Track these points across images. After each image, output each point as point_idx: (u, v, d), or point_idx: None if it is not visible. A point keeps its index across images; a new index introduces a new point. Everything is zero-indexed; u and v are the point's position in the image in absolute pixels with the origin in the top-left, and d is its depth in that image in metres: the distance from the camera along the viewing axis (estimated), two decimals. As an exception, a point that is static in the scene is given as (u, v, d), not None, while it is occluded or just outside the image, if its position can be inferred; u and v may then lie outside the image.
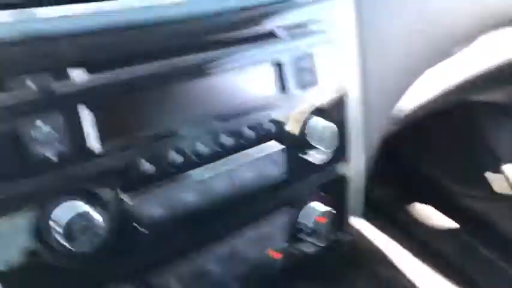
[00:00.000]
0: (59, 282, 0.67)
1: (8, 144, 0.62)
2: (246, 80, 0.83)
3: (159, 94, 0.74)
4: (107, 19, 0.70)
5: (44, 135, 0.63)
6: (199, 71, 0.78)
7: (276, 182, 0.86)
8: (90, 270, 0.68)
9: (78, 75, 0.66)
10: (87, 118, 0.67)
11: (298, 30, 0.89)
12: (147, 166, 0.71)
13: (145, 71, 0.72)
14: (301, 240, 0.93)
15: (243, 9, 0.83)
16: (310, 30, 0.91)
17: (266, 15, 0.86)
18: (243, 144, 0.81)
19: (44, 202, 0.64)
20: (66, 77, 0.65)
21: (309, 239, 0.92)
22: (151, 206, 0.72)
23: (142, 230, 0.72)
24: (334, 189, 0.97)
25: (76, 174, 0.66)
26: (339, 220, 0.98)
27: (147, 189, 0.72)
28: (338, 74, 0.96)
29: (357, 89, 1.00)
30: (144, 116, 0.73)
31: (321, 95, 0.92)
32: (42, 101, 0.64)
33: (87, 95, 0.67)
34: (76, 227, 0.64)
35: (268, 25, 0.85)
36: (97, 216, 0.66)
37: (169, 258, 0.76)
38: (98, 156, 0.68)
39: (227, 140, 0.79)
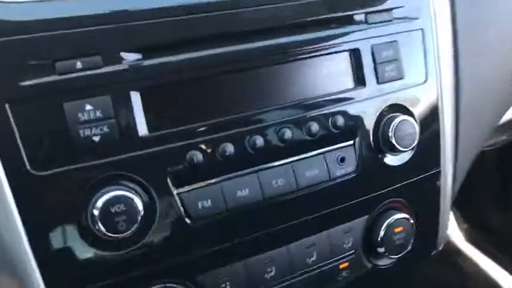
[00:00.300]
0: (101, 271, 0.65)
1: (55, 127, 0.61)
2: (318, 70, 0.76)
3: (217, 82, 0.70)
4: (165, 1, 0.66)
5: (92, 118, 0.62)
6: (267, 58, 0.72)
7: (346, 184, 0.78)
8: (132, 260, 0.66)
9: (131, 59, 0.64)
10: (137, 103, 0.64)
11: (381, 15, 0.79)
12: (198, 157, 0.67)
13: (202, 57, 0.68)
14: (375, 251, 0.83)
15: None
16: (397, 15, 0.81)
17: None
18: (309, 140, 0.74)
19: (88, 186, 0.62)
20: (119, 60, 0.63)
21: (381, 250, 0.82)
22: (200, 198, 0.68)
23: (189, 222, 0.68)
24: (416, 197, 0.86)
25: (121, 160, 0.64)
26: (421, 232, 0.87)
27: (196, 180, 0.68)
28: (428, 68, 0.85)
29: (449, 87, 0.88)
30: (199, 105, 0.69)
31: (406, 91, 0.82)
32: (92, 84, 0.62)
33: (139, 80, 0.64)
34: (111, 209, 0.61)
35: (347, 9, 0.77)
36: (136, 201, 0.63)
37: (218, 258, 0.71)
38: (146, 142, 0.65)
39: (292, 134, 0.73)
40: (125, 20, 0.63)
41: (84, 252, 0.63)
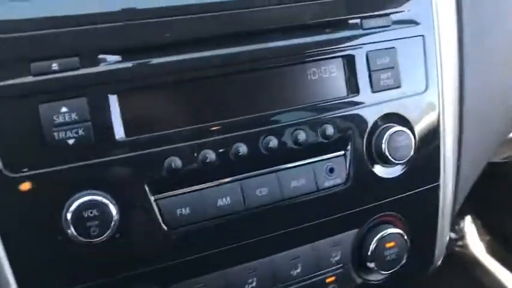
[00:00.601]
0: (73, 275, 0.64)
1: (30, 128, 0.60)
2: (308, 77, 0.73)
3: (197, 87, 0.68)
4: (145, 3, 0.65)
5: (67, 121, 0.61)
6: (251, 63, 0.70)
7: (334, 195, 0.75)
8: (105, 267, 0.65)
9: (109, 61, 0.63)
10: (115, 106, 0.63)
11: (377, 20, 0.76)
12: (177, 163, 0.65)
13: (182, 61, 0.66)
14: (364, 266, 0.80)
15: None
16: (395, 20, 0.78)
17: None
18: (296, 149, 0.72)
19: (62, 190, 0.61)
20: (97, 62, 0.62)
21: (372, 265, 0.79)
22: (179, 205, 0.67)
23: (166, 230, 0.66)
24: (411, 211, 0.83)
25: (96, 164, 0.62)
26: (416, 247, 0.83)
27: (174, 187, 0.66)
28: (429, 76, 0.81)
29: (452, 97, 0.84)
30: (178, 110, 0.67)
31: (403, 100, 0.79)
32: (68, 86, 0.61)
33: (117, 82, 0.63)
34: (84, 214, 0.60)
35: (341, 13, 0.74)
36: (110, 207, 0.62)
37: (196, 267, 0.69)
38: (122, 147, 0.63)
39: (277, 143, 0.70)
40: (105, 21, 0.62)
41: (57, 256, 0.63)
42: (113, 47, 0.63)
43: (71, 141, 0.61)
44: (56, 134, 0.60)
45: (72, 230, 0.60)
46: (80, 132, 0.61)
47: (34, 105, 0.60)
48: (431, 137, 0.81)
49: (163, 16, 0.65)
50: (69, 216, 0.60)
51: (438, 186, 0.84)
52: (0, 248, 0.61)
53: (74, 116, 0.61)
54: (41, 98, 0.60)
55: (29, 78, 0.59)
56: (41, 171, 0.60)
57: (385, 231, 0.79)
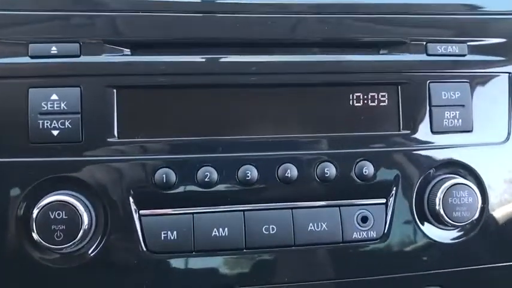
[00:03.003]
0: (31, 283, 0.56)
1: (16, 112, 0.55)
2: (351, 102, 0.61)
3: (210, 95, 0.59)
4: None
5: (56, 110, 0.55)
6: (280, 76, 0.59)
7: (365, 252, 0.60)
8: (65, 282, 0.56)
9: (114, 52, 0.57)
10: (111, 102, 0.56)
11: (448, 46, 0.62)
12: (171, 178, 0.56)
13: (197, 63, 0.58)
14: None
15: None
16: (475, 49, 0.63)
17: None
18: (322, 185, 0.59)
19: (35, 184, 0.55)
20: (99, 51, 0.56)
21: None
22: (165, 227, 0.56)
23: (146, 252, 0.56)
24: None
25: (78, 162, 0.55)
26: None
27: (163, 205, 0.57)
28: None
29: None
30: (183, 117, 0.58)
31: (472, 149, 0.63)
32: (64, 73, 0.56)
33: (119, 76, 0.57)
34: (50, 215, 0.53)
35: (401, 32, 0.62)
36: (81, 212, 0.53)
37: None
38: (112, 149, 0.56)
39: (297, 173, 0.58)
40: (115, 9, 0.57)
41: (18, 257, 0.55)
42: (120, 38, 0.57)
43: (55, 132, 0.55)
44: (41, 122, 0.55)
45: (34, 229, 0.53)
46: (67, 124, 0.55)
47: (24, 88, 0.55)
48: (507, 200, 0.63)
49: (184, 12, 0.58)
50: (34, 213, 0.53)
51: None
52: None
53: (63, 105, 0.55)
54: (33, 82, 0.55)
55: (25, 59, 0.55)
56: (15, 159, 0.55)
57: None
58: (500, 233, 0.63)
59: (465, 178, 0.61)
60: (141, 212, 0.56)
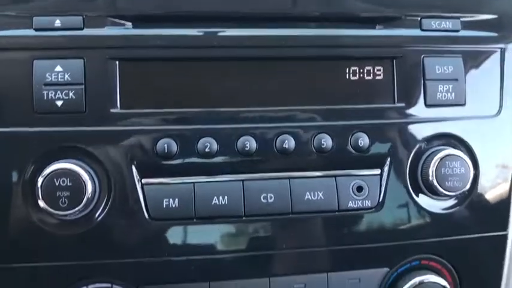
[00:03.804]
0: (34, 249, 0.57)
1: (20, 83, 0.56)
2: (347, 75, 0.62)
3: (212, 68, 0.60)
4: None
5: (60, 81, 0.56)
6: (281, 49, 0.61)
7: (360, 221, 0.62)
8: (70, 248, 0.57)
9: (117, 25, 0.58)
10: (114, 74, 0.58)
11: (442, 21, 0.64)
12: (172, 148, 0.58)
13: (200, 36, 0.59)
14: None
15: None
16: (468, 25, 0.65)
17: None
18: (319, 156, 0.61)
19: (41, 153, 0.56)
20: (102, 24, 0.58)
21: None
22: (167, 195, 0.58)
23: (148, 220, 0.58)
24: (463, 262, 0.66)
25: (82, 132, 0.57)
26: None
27: (165, 174, 0.58)
28: (504, 98, 0.66)
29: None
30: (185, 89, 0.60)
31: (465, 122, 0.64)
32: (68, 45, 0.57)
33: (122, 48, 0.58)
34: (55, 182, 0.54)
35: (396, 8, 0.64)
36: (85, 180, 0.55)
37: (173, 272, 0.59)
38: (114, 119, 0.57)
39: (295, 144, 0.60)
40: None
41: (24, 223, 0.57)
42: (122, 12, 0.59)
43: (59, 103, 0.56)
44: (45, 92, 0.56)
45: (39, 196, 0.55)
46: (71, 94, 0.57)
47: (29, 60, 0.56)
48: (498, 172, 0.65)
49: None
50: (40, 181, 0.55)
51: (505, 237, 0.66)
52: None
53: (67, 76, 0.57)
54: (38, 54, 0.57)
55: (30, 32, 0.57)
56: (22, 129, 0.56)
57: (424, 278, 0.63)
58: (490, 204, 0.65)
59: (458, 150, 0.63)
60: (144, 180, 0.58)
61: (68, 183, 0.55)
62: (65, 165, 0.55)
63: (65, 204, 0.55)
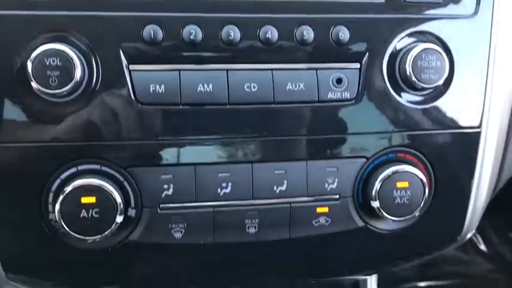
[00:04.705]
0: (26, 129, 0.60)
1: None
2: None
3: None
4: None
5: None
6: None
7: (339, 111, 0.65)
8: (60, 128, 0.60)
9: None
10: None
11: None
12: (158, 34, 0.60)
13: None
14: (368, 207, 0.67)
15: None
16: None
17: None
18: (301, 48, 0.63)
19: (35, 34, 0.58)
20: None
21: (376, 205, 0.66)
22: (153, 80, 0.61)
23: (135, 104, 0.61)
24: (437, 154, 0.69)
25: (72, 17, 0.59)
26: (439, 203, 0.69)
27: (152, 61, 0.61)
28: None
29: (506, 27, 0.69)
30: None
31: (442, 21, 0.67)
32: None
33: None
34: (46, 62, 0.57)
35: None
36: (73, 59, 0.57)
37: (162, 154, 0.62)
38: (102, 3, 0.59)
39: (277, 36, 0.62)
40: None
41: (16, 106, 0.59)
42: None
43: None
44: None
45: (30, 75, 0.57)
46: None
47: None
48: (473, 69, 0.68)
49: None
50: (31, 60, 0.57)
51: (479, 133, 0.69)
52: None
53: None
54: None
55: None
56: (17, 12, 0.58)
57: (399, 167, 0.66)
58: (465, 101, 0.68)
59: (436, 45, 0.65)
60: (131, 67, 0.60)
61: (58, 63, 0.57)
62: (55, 46, 0.57)
63: (55, 83, 0.57)
